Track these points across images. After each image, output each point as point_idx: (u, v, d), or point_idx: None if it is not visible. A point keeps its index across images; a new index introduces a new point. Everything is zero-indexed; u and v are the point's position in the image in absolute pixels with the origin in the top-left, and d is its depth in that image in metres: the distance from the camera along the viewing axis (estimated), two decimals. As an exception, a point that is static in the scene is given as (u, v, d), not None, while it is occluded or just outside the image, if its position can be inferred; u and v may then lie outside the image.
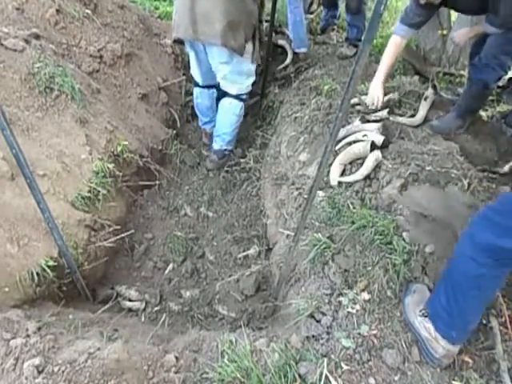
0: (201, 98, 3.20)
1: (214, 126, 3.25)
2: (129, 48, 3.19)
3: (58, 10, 2.79)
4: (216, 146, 3.21)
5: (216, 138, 3.19)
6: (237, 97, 3.00)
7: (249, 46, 2.78)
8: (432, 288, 1.73)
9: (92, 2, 3.04)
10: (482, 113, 2.96)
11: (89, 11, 2.99)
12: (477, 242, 1.34)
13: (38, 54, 2.41)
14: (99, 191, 2.33)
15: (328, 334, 1.62)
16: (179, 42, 2.89)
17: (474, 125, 2.78)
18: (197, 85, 3.15)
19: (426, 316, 1.56)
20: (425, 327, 1.54)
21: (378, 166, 2.24)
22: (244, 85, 2.98)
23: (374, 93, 2.70)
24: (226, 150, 3.23)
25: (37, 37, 2.56)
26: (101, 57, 2.96)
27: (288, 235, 2.28)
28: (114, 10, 3.24)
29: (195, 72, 3.07)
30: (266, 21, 3.65)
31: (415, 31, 2.73)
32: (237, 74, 2.89)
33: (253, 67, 2.93)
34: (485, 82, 2.49)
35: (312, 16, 4.43)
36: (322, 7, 4.46)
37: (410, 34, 2.71)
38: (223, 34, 2.57)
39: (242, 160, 3.29)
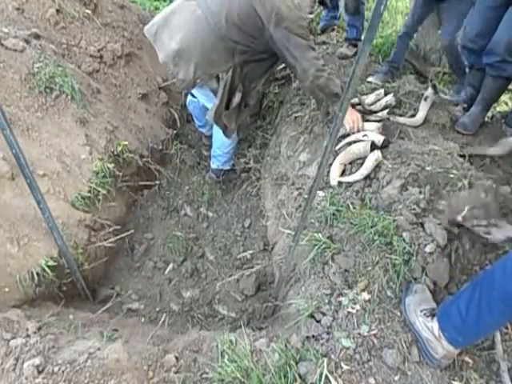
0: (192, 106, 3.09)
1: (210, 130, 3.14)
2: (129, 48, 3.19)
3: (58, 10, 2.79)
4: (213, 165, 3.13)
5: (212, 157, 3.10)
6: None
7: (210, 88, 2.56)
8: (432, 289, 1.73)
9: (92, 2, 3.04)
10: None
11: (89, 11, 2.99)
12: None
13: (38, 53, 2.41)
14: (99, 191, 2.33)
15: (328, 333, 1.62)
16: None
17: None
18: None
19: (428, 316, 1.55)
20: (426, 327, 1.54)
21: (378, 166, 2.24)
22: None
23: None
24: (222, 169, 3.14)
25: (37, 37, 2.56)
26: (101, 57, 2.96)
27: (288, 235, 2.28)
28: (114, 10, 3.24)
29: None
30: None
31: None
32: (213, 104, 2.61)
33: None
34: (506, 76, 2.49)
35: (312, 16, 4.42)
36: (322, 7, 4.46)
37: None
38: (171, 54, 2.36)
39: (241, 160, 3.29)
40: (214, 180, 3.18)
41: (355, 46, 3.58)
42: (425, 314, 1.57)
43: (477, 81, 2.78)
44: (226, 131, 2.71)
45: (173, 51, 2.36)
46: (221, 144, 2.95)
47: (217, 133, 2.91)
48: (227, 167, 3.15)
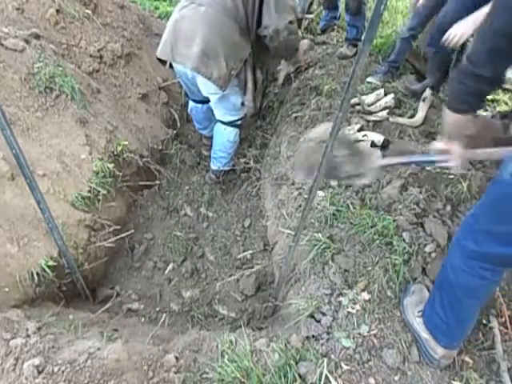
0: (195, 111, 3.08)
1: (211, 132, 3.14)
2: (129, 48, 3.19)
3: (58, 10, 2.79)
4: (214, 166, 3.09)
5: (213, 159, 3.07)
6: (230, 124, 2.82)
7: (236, 81, 2.57)
8: (431, 289, 1.73)
9: (92, 2, 3.04)
10: (482, 113, 2.96)
11: (89, 11, 2.98)
12: (466, 252, 1.32)
13: (38, 53, 2.41)
14: (99, 191, 2.33)
15: (328, 333, 1.62)
16: (161, 62, 2.66)
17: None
18: (190, 98, 3.01)
19: None
20: (425, 328, 1.54)
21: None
22: (235, 117, 2.79)
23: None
24: (223, 170, 3.12)
25: (37, 37, 2.56)
26: (101, 57, 2.96)
27: (288, 235, 2.28)
28: (113, 10, 3.24)
29: (186, 90, 2.93)
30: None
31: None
32: (224, 108, 2.72)
33: (240, 102, 2.72)
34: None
35: (312, 16, 4.42)
36: (322, 7, 4.46)
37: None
38: (197, 58, 2.35)
39: (241, 160, 3.29)
40: (214, 181, 3.16)
41: (355, 46, 3.58)
42: (422, 315, 1.57)
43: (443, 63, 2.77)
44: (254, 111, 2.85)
45: (198, 55, 2.35)
46: (222, 146, 2.94)
47: (218, 135, 2.91)
48: (227, 168, 3.14)
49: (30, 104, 2.28)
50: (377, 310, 1.68)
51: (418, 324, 1.57)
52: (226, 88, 2.46)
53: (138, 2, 4.25)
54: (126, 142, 2.63)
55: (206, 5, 2.34)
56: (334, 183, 2.30)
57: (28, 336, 1.55)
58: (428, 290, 1.70)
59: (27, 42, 2.44)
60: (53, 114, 2.36)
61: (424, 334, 1.53)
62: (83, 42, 2.89)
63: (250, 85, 2.59)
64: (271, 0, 2.35)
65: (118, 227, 2.49)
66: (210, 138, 3.28)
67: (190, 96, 2.98)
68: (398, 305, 1.71)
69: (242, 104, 2.73)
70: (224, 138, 2.87)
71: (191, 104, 3.07)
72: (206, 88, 2.55)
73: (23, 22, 2.62)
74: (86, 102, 2.55)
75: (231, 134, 2.85)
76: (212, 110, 2.85)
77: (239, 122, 2.86)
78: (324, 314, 1.69)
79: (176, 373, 1.49)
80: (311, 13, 4.46)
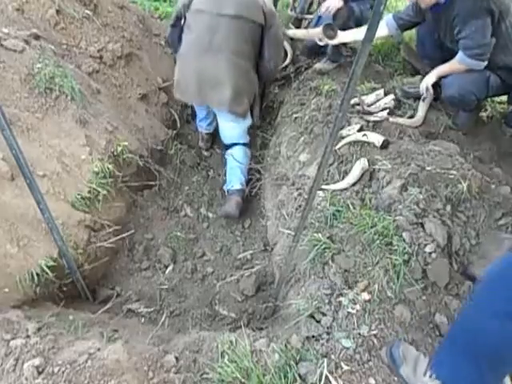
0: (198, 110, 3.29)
1: (210, 125, 3.31)
2: (129, 48, 3.19)
3: (57, 11, 2.79)
4: (237, 186, 2.97)
5: (233, 178, 2.99)
6: (246, 144, 3.10)
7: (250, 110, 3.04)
8: (432, 289, 1.73)
9: (92, 3, 3.04)
10: (482, 113, 2.96)
11: (89, 12, 2.98)
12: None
13: (38, 54, 2.41)
14: (99, 192, 2.32)
15: (328, 334, 1.62)
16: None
17: (474, 125, 2.79)
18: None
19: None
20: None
21: (378, 170, 2.24)
22: (248, 136, 3.13)
23: None
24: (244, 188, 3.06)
25: (37, 37, 2.56)
26: (101, 57, 2.95)
27: (288, 235, 2.28)
28: (113, 11, 3.24)
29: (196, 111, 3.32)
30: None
31: (398, 30, 2.85)
32: (241, 129, 3.03)
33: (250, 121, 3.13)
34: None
35: (312, 16, 4.41)
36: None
37: (392, 30, 2.85)
38: (231, 101, 2.72)
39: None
40: (240, 206, 2.90)
41: (334, 62, 3.51)
42: (430, 376, 1.40)
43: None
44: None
45: (230, 98, 2.72)
46: (244, 155, 3.05)
47: (240, 149, 3.04)
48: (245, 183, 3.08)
49: (30, 104, 2.28)
50: (377, 311, 1.68)
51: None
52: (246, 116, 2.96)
53: (138, 2, 4.25)
54: (126, 143, 2.63)
55: (226, 51, 2.67)
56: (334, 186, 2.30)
57: (28, 336, 1.55)
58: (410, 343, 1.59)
59: (27, 42, 2.45)
60: (53, 114, 2.36)
61: None
62: (83, 43, 2.89)
63: (257, 107, 3.17)
64: (273, 41, 2.85)
65: (118, 227, 2.49)
66: (207, 140, 3.40)
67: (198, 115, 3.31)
68: (398, 305, 1.70)
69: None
70: (245, 157, 3.06)
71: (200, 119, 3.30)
72: (226, 118, 2.92)
73: (23, 22, 2.62)
74: (86, 103, 2.55)
75: (248, 150, 3.12)
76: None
77: (249, 140, 3.18)
78: (324, 315, 1.69)
79: (176, 373, 1.49)
80: (311, 13, 4.45)
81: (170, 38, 3.02)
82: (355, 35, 2.93)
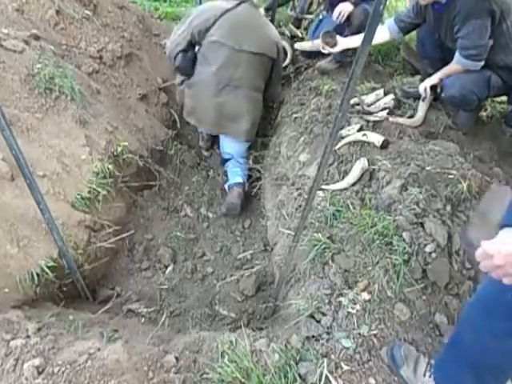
0: None
1: None
2: (128, 49, 3.19)
3: (57, 11, 2.79)
4: (239, 179, 3.06)
5: (234, 173, 3.11)
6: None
7: None
8: (432, 289, 1.73)
9: (91, 3, 3.04)
10: (482, 113, 2.96)
11: (88, 12, 2.99)
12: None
13: (38, 54, 2.41)
14: (99, 192, 2.32)
15: (328, 334, 1.62)
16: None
17: (474, 125, 2.79)
18: None
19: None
20: None
21: (378, 169, 2.24)
22: (245, 154, 3.27)
23: None
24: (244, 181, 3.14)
25: (36, 38, 2.56)
26: (100, 57, 2.96)
27: (288, 235, 2.28)
28: (113, 11, 3.24)
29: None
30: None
31: (400, 33, 2.84)
32: (244, 150, 3.23)
33: None
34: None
35: (312, 16, 4.41)
36: (321, 7, 4.45)
37: (394, 34, 2.84)
38: (247, 131, 2.99)
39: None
40: (241, 198, 2.96)
41: (339, 62, 3.50)
42: (430, 376, 1.41)
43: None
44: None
45: (247, 129, 2.99)
46: (239, 149, 3.16)
47: (234, 143, 3.11)
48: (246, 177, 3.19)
49: (30, 105, 2.28)
50: (377, 310, 1.68)
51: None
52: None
53: (138, 2, 4.25)
54: (126, 143, 2.63)
55: (245, 86, 2.90)
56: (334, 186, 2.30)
57: (28, 337, 1.55)
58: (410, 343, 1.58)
59: (27, 43, 2.45)
60: (53, 114, 2.36)
61: None
62: (83, 43, 2.89)
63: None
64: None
65: (118, 228, 2.50)
66: (208, 140, 3.42)
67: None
68: (397, 305, 1.70)
69: None
70: (244, 159, 3.24)
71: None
72: (232, 140, 3.11)
73: (23, 23, 2.62)
74: (86, 103, 2.55)
75: (242, 167, 3.21)
76: None
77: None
78: (324, 314, 1.69)
79: (176, 373, 1.49)
80: (311, 13, 4.46)
81: (182, 64, 2.96)
82: (357, 41, 2.92)
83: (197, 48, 2.95)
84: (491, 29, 2.32)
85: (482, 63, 2.40)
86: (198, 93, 2.94)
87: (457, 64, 2.48)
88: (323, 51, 3.09)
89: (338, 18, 3.14)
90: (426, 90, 2.64)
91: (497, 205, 1.73)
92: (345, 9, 3.10)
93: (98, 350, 1.51)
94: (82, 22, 2.92)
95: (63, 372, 1.40)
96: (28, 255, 1.89)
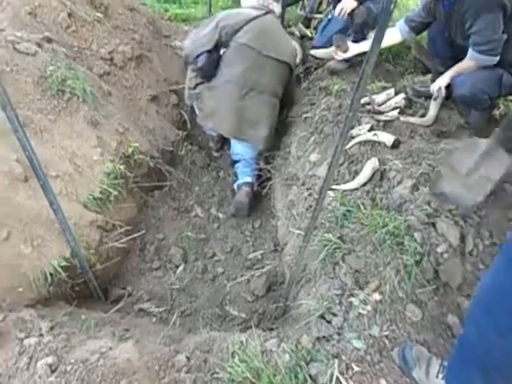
0: None
1: None
2: (139, 50, 3.22)
3: (69, 14, 2.82)
4: (249, 179, 3.08)
5: (244, 173, 3.11)
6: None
7: None
8: (444, 290, 1.71)
9: (102, 6, 3.07)
10: (495, 111, 2.91)
11: (99, 14, 3.02)
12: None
13: (50, 57, 2.44)
14: (111, 192, 2.35)
15: (339, 334, 1.61)
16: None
17: (487, 123, 2.75)
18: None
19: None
20: None
21: (388, 169, 2.22)
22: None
23: None
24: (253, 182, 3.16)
25: (49, 40, 2.60)
26: (111, 59, 2.98)
27: (298, 235, 2.28)
28: (124, 13, 3.27)
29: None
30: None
31: (411, 33, 2.81)
32: (256, 153, 3.17)
33: None
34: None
35: (321, 16, 4.40)
36: (330, 6, 4.43)
37: (405, 34, 2.82)
38: (265, 138, 2.99)
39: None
40: (250, 197, 2.97)
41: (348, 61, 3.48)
42: (443, 378, 1.38)
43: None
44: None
45: (266, 136, 2.99)
46: (251, 152, 3.13)
47: (247, 148, 3.09)
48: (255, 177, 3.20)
49: (43, 107, 2.31)
50: (388, 311, 1.67)
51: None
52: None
53: (148, 4, 4.28)
54: (137, 144, 2.65)
55: (268, 92, 2.95)
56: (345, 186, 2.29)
57: (41, 335, 1.57)
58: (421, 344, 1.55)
59: (39, 45, 2.48)
60: (65, 116, 2.39)
61: None
62: (94, 45, 2.92)
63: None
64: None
65: (130, 228, 2.51)
66: (218, 141, 3.42)
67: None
68: (409, 306, 1.69)
69: None
70: (254, 159, 3.19)
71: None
72: (246, 144, 3.07)
73: (35, 26, 2.66)
74: (98, 104, 2.57)
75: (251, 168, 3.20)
76: None
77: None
78: (335, 315, 1.68)
79: (187, 373, 1.49)
80: (320, 12, 4.44)
81: (206, 65, 2.91)
82: (368, 46, 2.89)
83: (222, 50, 2.95)
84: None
85: (498, 58, 2.35)
86: (220, 95, 2.91)
87: (471, 60, 2.43)
88: (336, 57, 3.08)
89: (339, 14, 3.13)
90: (440, 89, 2.60)
91: (467, 157, 1.74)
92: (346, 5, 3.09)
93: (110, 349, 1.53)
94: (93, 24, 2.95)
95: (76, 370, 1.42)
96: (41, 255, 1.92)
